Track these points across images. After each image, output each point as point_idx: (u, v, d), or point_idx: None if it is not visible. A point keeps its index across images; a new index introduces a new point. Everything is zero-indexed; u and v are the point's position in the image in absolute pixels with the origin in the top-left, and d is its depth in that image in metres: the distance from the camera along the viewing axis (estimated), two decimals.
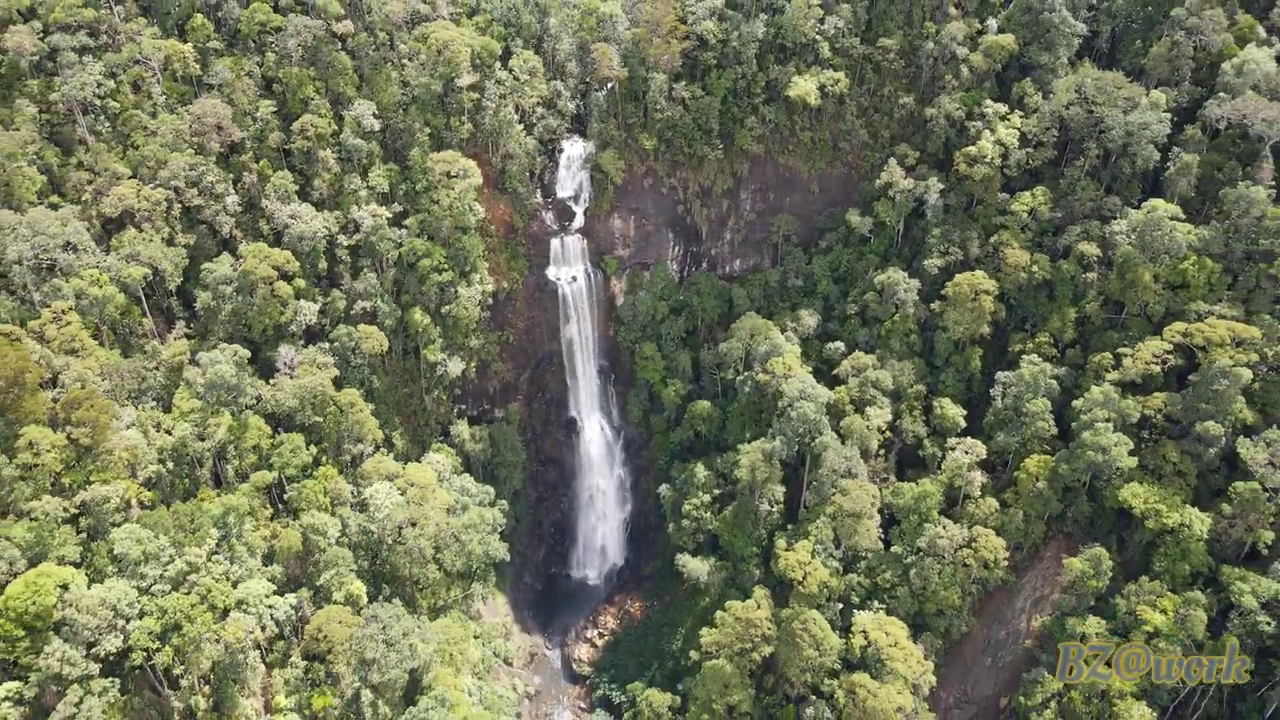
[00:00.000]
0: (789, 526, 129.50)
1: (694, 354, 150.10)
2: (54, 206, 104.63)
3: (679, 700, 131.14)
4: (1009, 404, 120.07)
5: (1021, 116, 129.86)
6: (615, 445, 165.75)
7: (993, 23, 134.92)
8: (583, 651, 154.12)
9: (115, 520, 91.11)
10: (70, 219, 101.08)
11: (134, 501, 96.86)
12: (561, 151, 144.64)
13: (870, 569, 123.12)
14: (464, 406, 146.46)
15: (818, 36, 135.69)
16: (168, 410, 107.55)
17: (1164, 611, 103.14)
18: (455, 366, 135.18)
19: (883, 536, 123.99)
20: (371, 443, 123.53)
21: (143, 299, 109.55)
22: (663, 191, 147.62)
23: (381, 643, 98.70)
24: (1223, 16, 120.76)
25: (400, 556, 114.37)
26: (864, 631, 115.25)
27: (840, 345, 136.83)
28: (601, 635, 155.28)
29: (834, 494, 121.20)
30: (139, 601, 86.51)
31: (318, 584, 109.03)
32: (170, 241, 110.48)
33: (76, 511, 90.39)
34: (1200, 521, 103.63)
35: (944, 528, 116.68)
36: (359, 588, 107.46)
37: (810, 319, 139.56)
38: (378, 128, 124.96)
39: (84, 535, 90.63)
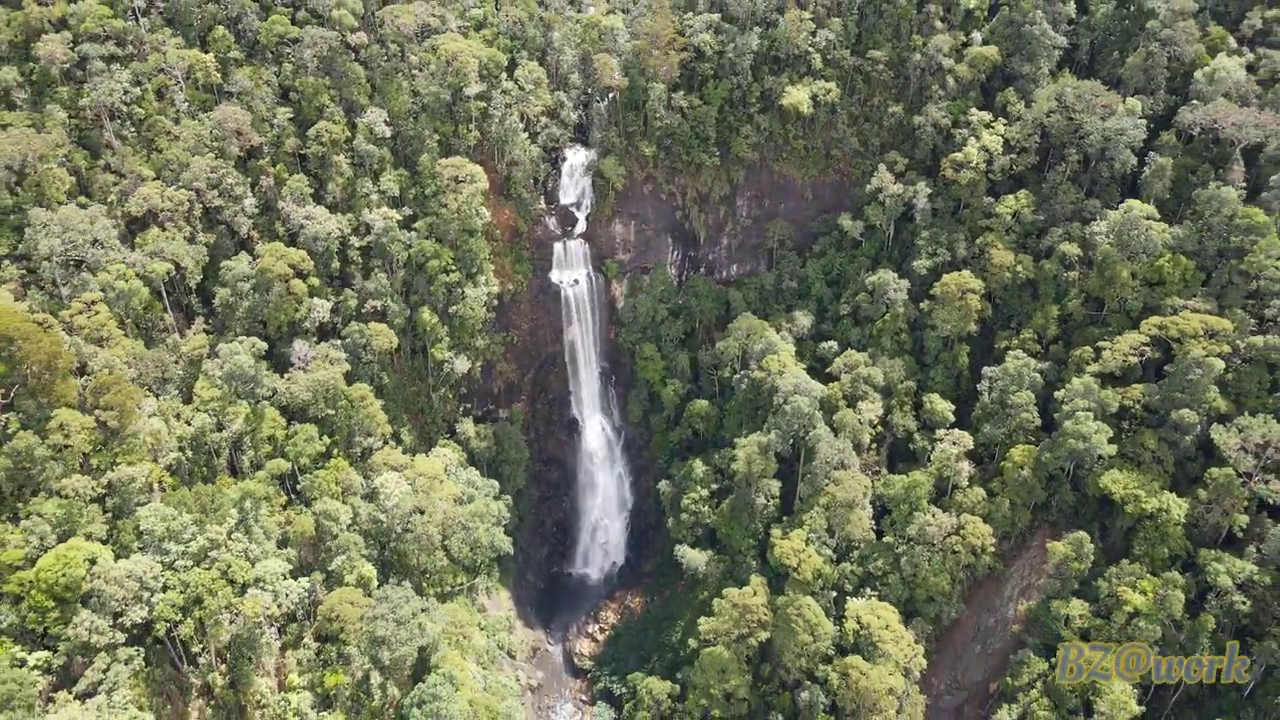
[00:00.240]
0: (784, 519, 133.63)
1: (692, 355, 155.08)
2: (82, 206, 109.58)
3: (678, 689, 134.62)
4: (995, 397, 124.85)
5: (1005, 124, 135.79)
6: (616, 445, 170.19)
7: (977, 35, 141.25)
8: (584, 646, 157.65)
9: (140, 500, 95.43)
10: (98, 217, 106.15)
11: (156, 485, 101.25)
12: (564, 160, 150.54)
13: (863, 558, 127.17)
14: (469, 405, 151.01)
15: (810, 48, 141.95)
16: (187, 401, 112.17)
17: (1144, 593, 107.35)
18: (462, 365, 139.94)
19: (875, 527, 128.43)
20: (381, 437, 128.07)
21: (164, 295, 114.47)
22: (662, 198, 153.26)
23: (392, 621, 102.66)
24: (1195, 28, 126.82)
25: (409, 544, 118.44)
26: (857, 617, 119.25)
27: (833, 344, 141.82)
28: (602, 630, 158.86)
29: (827, 485, 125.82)
30: (163, 575, 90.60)
31: (330, 569, 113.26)
32: (191, 240, 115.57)
33: (103, 491, 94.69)
34: (1178, 506, 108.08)
35: (933, 516, 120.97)
36: (370, 571, 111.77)
37: (804, 319, 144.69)
38: (389, 134, 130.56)
39: (110, 514, 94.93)
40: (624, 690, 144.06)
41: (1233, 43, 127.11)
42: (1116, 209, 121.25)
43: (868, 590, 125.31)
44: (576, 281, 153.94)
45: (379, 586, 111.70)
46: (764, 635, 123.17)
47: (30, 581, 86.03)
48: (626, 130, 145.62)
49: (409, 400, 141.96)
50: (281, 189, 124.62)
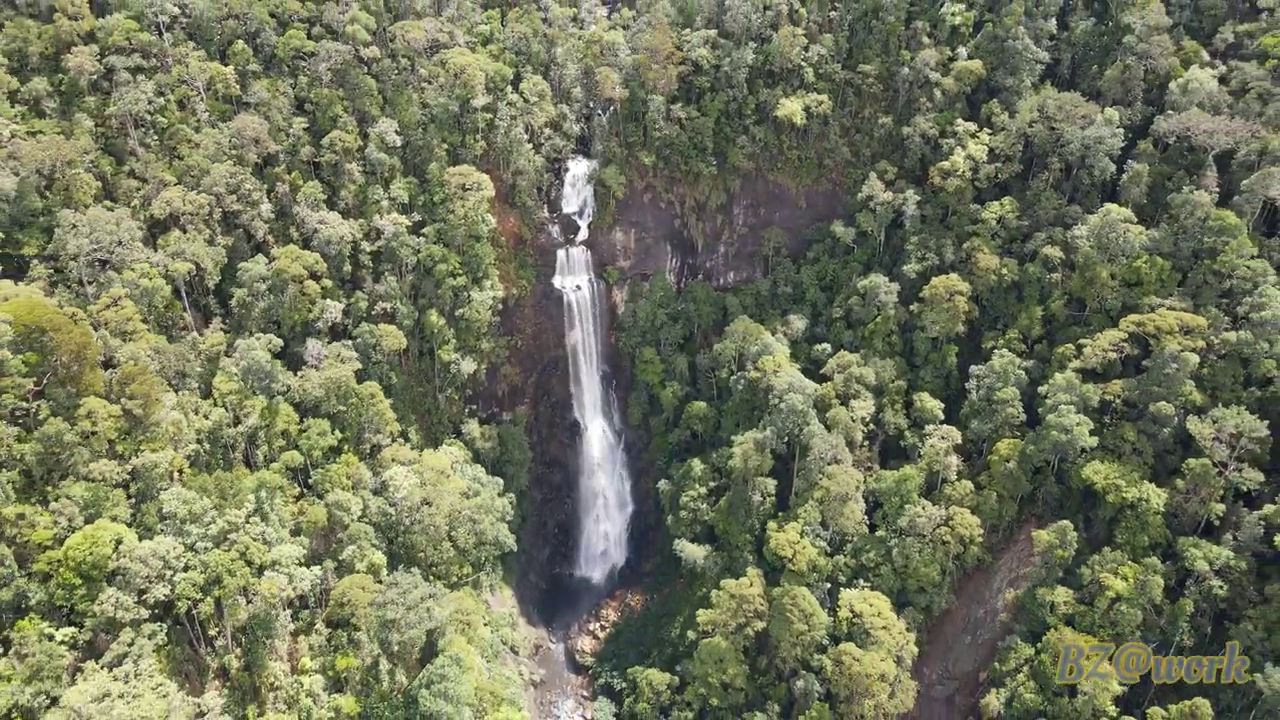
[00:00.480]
0: (780, 514, 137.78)
1: (691, 358, 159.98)
2: (108, 209, 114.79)
3: (677, 681, 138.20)
4: (982, 395, 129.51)
5: (990, 134, 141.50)
6: (617, 448, 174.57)
7: (963, 50, 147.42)
8: (585, 643, 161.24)
9: (162, 486, 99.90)
10: (124, 219, 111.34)
11: (176, 474, 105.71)
12: (567, 170, 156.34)
13: (856, 550, 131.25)
14: (474, 407, 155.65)
15: (803, 63, 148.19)
16: (205, 396, 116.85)
17: (1125, 579, 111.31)
18: (468, 366, 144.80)
19: (867, 521, 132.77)
20: (389, 435, 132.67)
21: (184, 295, 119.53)
22: (661, 206, 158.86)
23: (402, 606, 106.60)
24: (1170, 42, 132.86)
25: (417, 535, 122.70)
26: (850, 605, 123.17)
27: (827, 347, 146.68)
28: (603, 628, 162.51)
29: (821, 479, 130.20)
30: (184, 556, 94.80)
31: (341, 558, 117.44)
32: (211, 242, 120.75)
33: (128, 477, 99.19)
34: (1157, 496, 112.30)
35: (923, 508, 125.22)
36: (380, 558, 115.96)
37: (799, 322, 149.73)
38: (399, 144, 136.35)
39: (134, 499, 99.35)
40: (624, 685, 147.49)
41: (1205, 56, 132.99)
42: (1096, 214, 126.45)
43: (861, 581, 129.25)
44: (579, 287, 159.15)
45: (389, 573, 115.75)
46: (760, 625, 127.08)
47: (59, 560, 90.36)
48: (627, 141, 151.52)
49: (416, 401, 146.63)
50: (296, 195, 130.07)
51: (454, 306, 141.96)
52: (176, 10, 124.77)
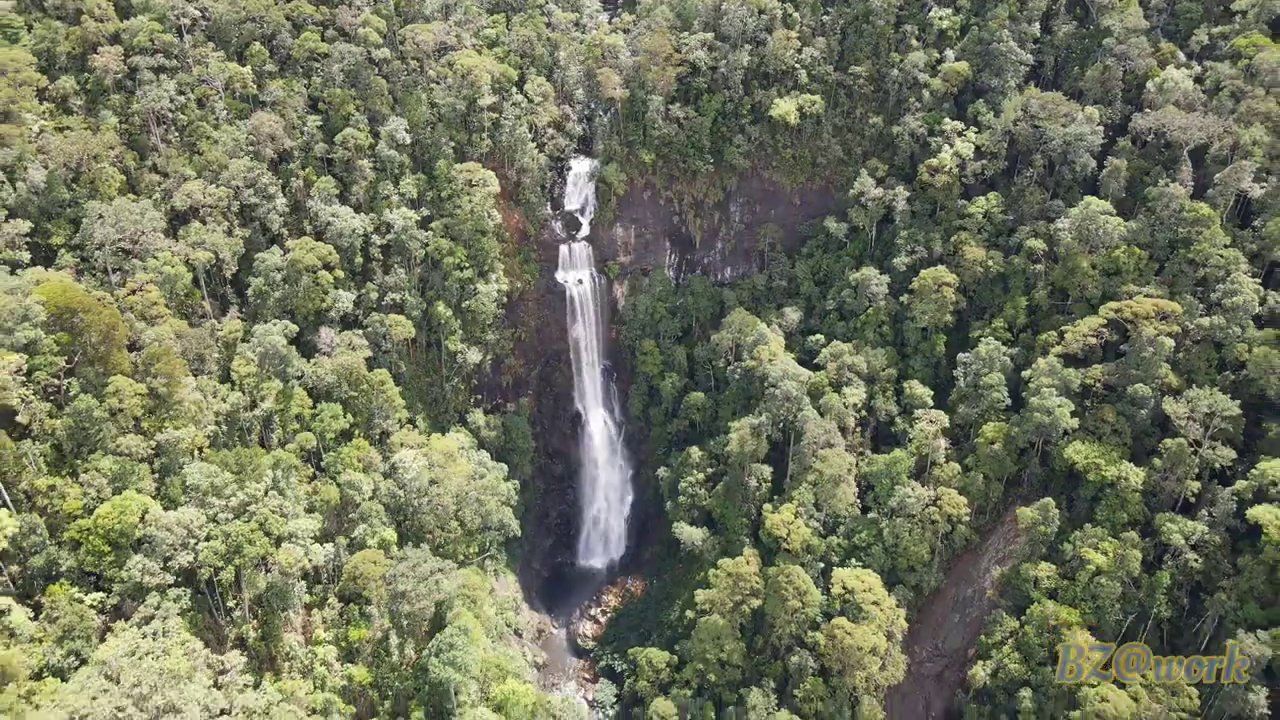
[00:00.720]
0: (775, 498, 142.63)
1: (689, 350, 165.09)
2: (132, 201, 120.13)
3: (676, 659, 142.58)
4: (969, 381, 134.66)
5: (976, 132, 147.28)
6: (617, 439, 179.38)
7: (950, 52, 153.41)
8: (587, 628, 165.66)
9: (185, 461, 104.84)
10: (148, 209, 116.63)
11: (197, 451, 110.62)
12: (569, 169, 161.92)
13: (849, 532, 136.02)
14: (479, 397, 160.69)
15: (796, 64, 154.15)
16: (223, 381, 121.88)
17: (1105, 553, 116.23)
18: (473, 356, 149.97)
19: (859, 503, 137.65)
20: (398, 421, 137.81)
21: (202, 284, 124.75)
22: (660, 203, 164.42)
23: (412, 578, 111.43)
24: (1147, 44, 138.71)
25: (425, 515, 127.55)
26: (842, 582, 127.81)
27: (820, 338, 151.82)
28: (604, 613, 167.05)
29: (815, 463, 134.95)
30: (206, 526, 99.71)
31: (353, 535, 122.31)
32: (229, 234, 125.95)
33: (152, 452, 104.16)
34: (1135, 474, 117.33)
35: (913, 489, 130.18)
36: (390, 534, 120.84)
37: (793, 314, 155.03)
38: (409, 141, 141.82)
39: (158, 474, 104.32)
40: (625, 666, 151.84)
41: (1181, 57, 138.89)
42: (1077, 206, 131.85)
43: (853, 561, 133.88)
44: (581, 282, 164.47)
45: (399, 550, 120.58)
46: (756, 603, 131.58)
47: (89, 529, 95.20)
48: (627, 139, 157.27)
49: (423, 390, 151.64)
50: (310, 190, 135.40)
51: (460, 298, 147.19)
52: (197, 13, 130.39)
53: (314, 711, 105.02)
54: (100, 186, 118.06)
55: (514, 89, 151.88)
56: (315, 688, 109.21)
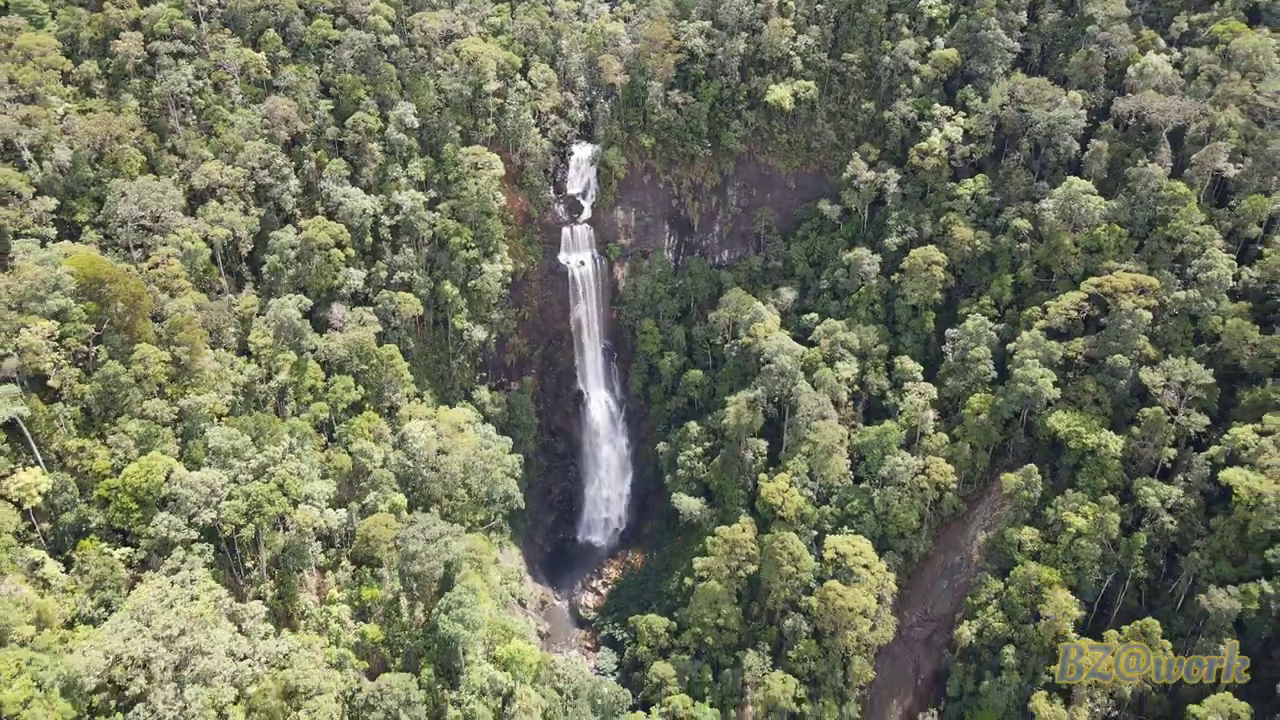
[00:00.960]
0: (770, 469, 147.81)
1: (688, 330, 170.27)
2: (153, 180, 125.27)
3: (676, 625, 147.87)
4: (958, 355, 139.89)
5: (964, 117, 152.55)
6: (618, 417, 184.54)
7: (939, 40, 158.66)
8: (588, 599, 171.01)
9: (206, 425, 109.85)
10: (168, 187, 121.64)
11: (217, 418, 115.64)
12: (572, 154, 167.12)
13: (841, 501, 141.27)
14: (485, 375, 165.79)
15: (791, 52, 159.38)
16: (240, 354, 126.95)
17: (1085, 516, 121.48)
18: (479, 334, 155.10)
19: (852, 476, 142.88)
20: (406, 395, 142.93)
21: (219, 260, 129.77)
22: (660, 187, 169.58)
23: (422, 539, 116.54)
24: (1129, 31, 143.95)
25: (434, 483, 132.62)
26: (834, 548, 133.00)
27: (815, 316, 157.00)
28: (605, 584, 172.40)
29: (808, 434, 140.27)
30: (228, 486, 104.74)
31: (364, 502, 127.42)
32: (245, 212, 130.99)
33: (176, 417, 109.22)
34: (1115, 442, 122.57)
35: (902, 458, 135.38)
36: (401, 500, 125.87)
37: (789, 294, 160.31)
38: (417, 125, 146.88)
39: (180, 437, 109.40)
40: (625, 635, 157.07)
41: (1162, 43, 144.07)
42: (1061, 186, 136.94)
43: (845, 529, 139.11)
44: (582, 263, 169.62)
45: (408, 514, 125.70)
46: (752, 569, 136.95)
47: (117, 487, 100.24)
48: (628, 124, 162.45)
49: (430, 367, 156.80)
50: (322, 171, 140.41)
51: (466, 278, 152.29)
52: (213, 0, 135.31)
53: (329, 665, 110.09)
54: (122, 166, 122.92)
55: (518, 75, 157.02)
56: (330, 643, 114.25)
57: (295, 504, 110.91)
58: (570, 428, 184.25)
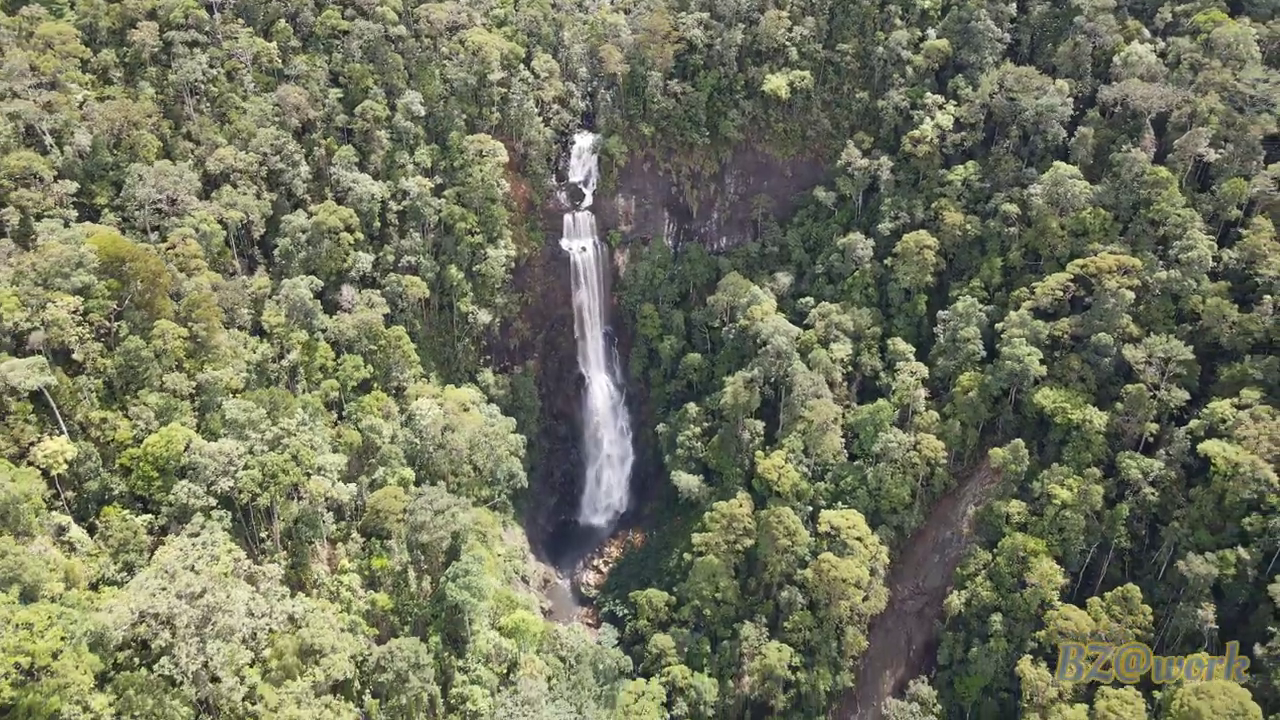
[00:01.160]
0: (767, 448, 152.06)
1: (687, 314, 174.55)
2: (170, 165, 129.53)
3: (675, 600, 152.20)
4: (948, 336, 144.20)
5: (956, 105, 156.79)
6: (619, 401, 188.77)
7: (931, 31, 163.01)
8: (590, 577, 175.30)
9: (222, 399, 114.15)
10: (185, 171, 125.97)
11: (232, 394, 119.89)
12: (573, 143, 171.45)
13: (836, 477, 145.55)
14: (489, 358, 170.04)
15: (787, 42, 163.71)
16: (253, 334, 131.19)
17: (1070, 489, 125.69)
18: (483, 317, 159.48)
19: (846, 454, 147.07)
20: (413, 376, 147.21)
21: (233, 244, 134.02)
22: (659, 175, 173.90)
23: (430, 511, 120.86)
24: (1115, 21, 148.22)
25: (441, 459, 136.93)
26: (829, 522, 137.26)
27: (810, 300, 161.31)
28: (606, 563, 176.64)
29: (804, 412, 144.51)
30: (244, 457, 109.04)
31: (374, 477, 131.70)
32: (258, 197, 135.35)
33: (193, 391, 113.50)
34: (1099, 417, 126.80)
35: (894, 434, 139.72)
36: (409, 473, 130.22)
37: (785, 278, 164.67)
38: (423, 114, 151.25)
39: (198, 411, 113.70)
40: (626, 611, 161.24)
41: (1146, 33, 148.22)
42: (1048, 171, 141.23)
43: (840, 504, 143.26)
44: (584, 249, 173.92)
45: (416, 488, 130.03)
46: (749, 542, 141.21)
47: (139, 456, 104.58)
48: (628, 113, 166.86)
49: (436, 350, 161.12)
50: (332, 158, 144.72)
51: (471, 262, 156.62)
52: None
53: (341, 630, 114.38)
54: (140, 151, 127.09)
55: (521, 66, 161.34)
56: (342, 610, 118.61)
57: (308, 475, 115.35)
58: (572, 411, 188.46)
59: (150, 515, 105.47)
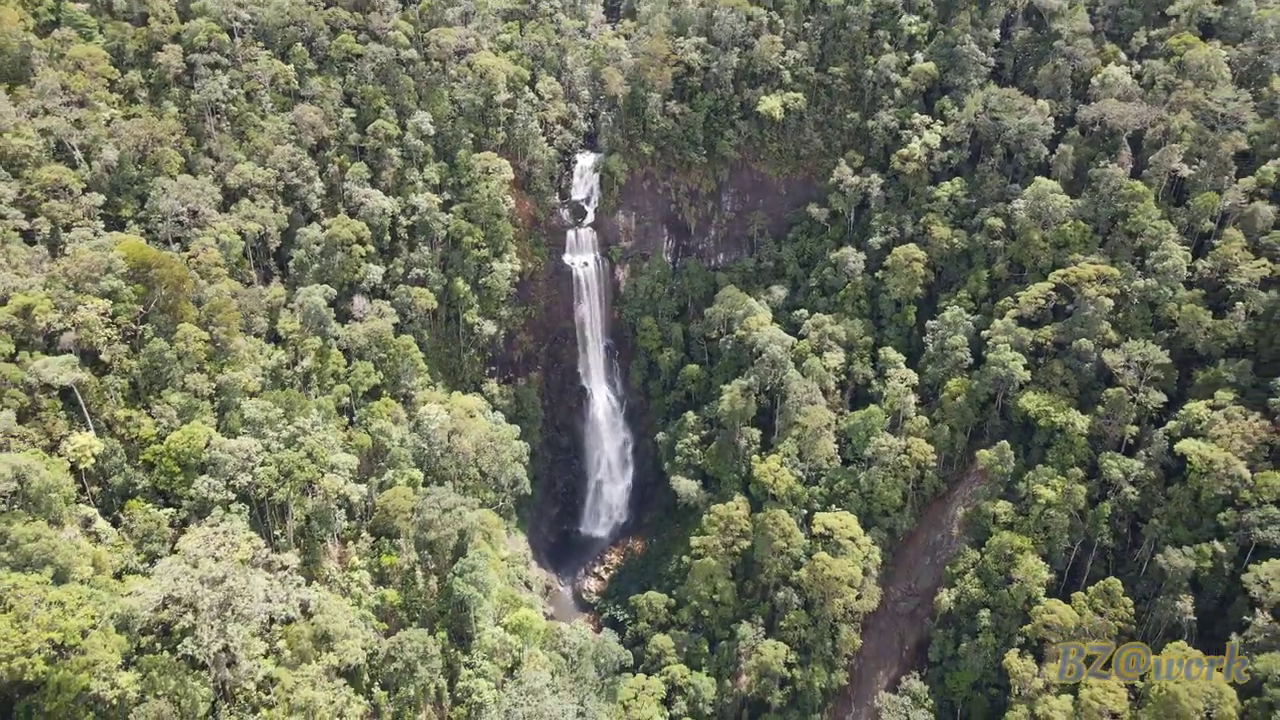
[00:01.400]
0: (762, 454, 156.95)
1: (685, 327, 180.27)
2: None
3: (674, 602, 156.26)
4: (937, 345, 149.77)
5: (942, 125, 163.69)
6: (620, 413, 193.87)
7: (919, 55, 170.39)
8: (591, 584, 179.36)
9: (240, 400, 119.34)
10: (206, 184, 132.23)
11: (249, 396, 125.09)
12: (576, 163, 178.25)
13: (829, 481, 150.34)
14: (493, 369, 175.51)
15: (781, 66, 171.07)
16: (269, 342, 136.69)
17: (1054, 489, 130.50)
18: (489, 329, 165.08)
19: (840, 459, 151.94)
20: (422, 384, 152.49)
21: (250, 254, 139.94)
22: (659, 193, 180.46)
23: (438, 509, 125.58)
24: (1092, 45, 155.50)
25: (448, 462, 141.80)
26: (823, 524, 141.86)
27: (804, 312, 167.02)
28: (607, 570, 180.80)
29: (798, 418, 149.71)
30: (262, 454, 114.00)
31: (383, 479, 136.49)
32: (275, 210, 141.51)
33: (214, 392, 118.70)
34: (1081, 420, 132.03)
35: (886, 439, 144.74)
36: (417, 474, 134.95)
37: (780, 291, 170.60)
38: (432, 133, 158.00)
39: (217, 411, 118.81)
40: (626, 616, 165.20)
41: (1122, 56, 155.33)
42: (1030, 186, 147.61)
43: (833, 507, 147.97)
44: (586, 264, 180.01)
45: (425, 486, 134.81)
46: (745, 544, 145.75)
47: (162, 452, 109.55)
48: (628, 133, 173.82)
49: (443, 360, 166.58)
50: (345, 174, 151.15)
51: (478, 276, 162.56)
52: (247, 17, 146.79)
53: (352, 621, 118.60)
54: (163, 166, 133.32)
55: (526, 88, 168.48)
56: (353, 604, 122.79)
57: (322, 472, 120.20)
58: (574, 423, 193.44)
59: (171, 509, 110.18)
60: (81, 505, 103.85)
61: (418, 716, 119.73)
